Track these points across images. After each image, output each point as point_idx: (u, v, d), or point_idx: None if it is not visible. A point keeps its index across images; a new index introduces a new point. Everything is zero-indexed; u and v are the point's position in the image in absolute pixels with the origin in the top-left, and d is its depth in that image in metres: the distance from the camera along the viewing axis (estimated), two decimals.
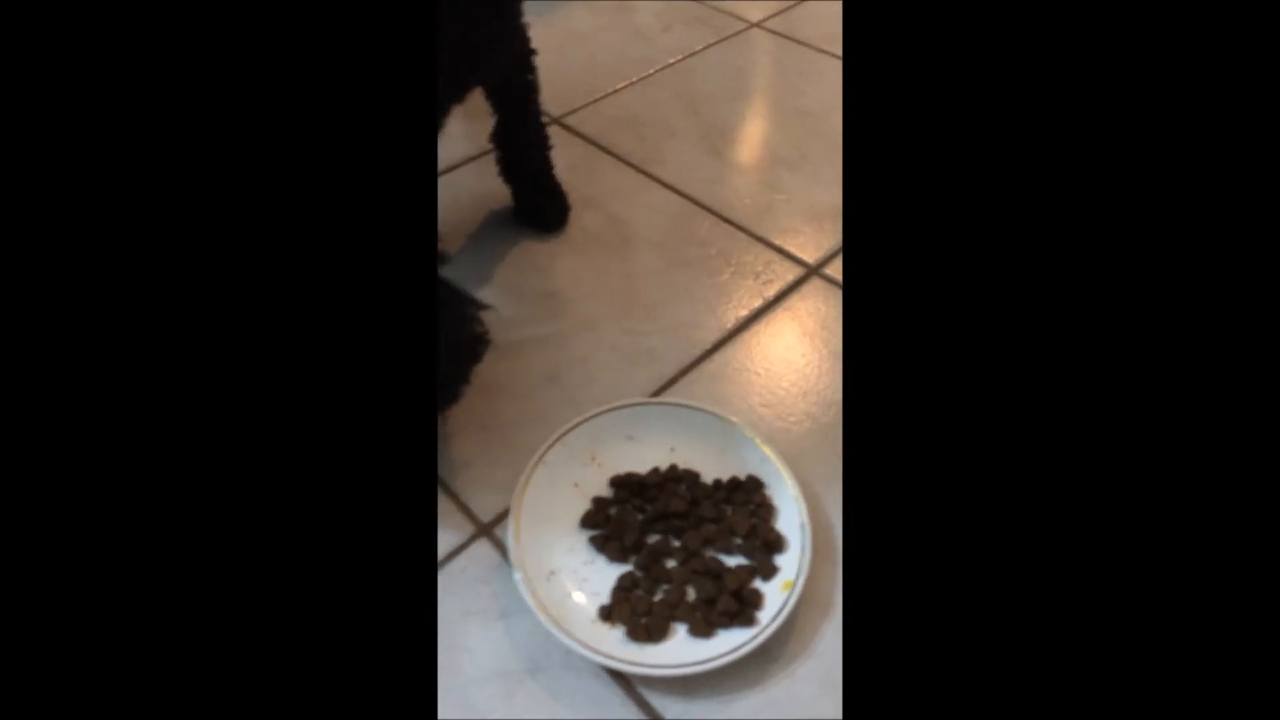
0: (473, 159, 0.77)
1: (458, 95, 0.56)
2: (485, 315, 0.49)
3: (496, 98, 0.65)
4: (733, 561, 0.47)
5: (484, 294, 0.64)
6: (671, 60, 0.90)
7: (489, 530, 0.50)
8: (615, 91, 0.86)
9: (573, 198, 0.71)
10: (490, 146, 0.69)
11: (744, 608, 0.44)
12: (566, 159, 0.75)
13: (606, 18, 0.97)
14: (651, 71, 0.88)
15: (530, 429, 0.54)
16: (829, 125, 0.81)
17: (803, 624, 0.45)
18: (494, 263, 0.67)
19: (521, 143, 0.68)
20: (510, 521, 0.47)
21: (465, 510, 0.50)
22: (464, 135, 0.79)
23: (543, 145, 0.69)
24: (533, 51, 0.66)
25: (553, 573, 0.46)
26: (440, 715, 0.41)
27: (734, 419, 0.52)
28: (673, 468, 0.51)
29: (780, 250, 0.68)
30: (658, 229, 0.71)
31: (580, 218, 0.71)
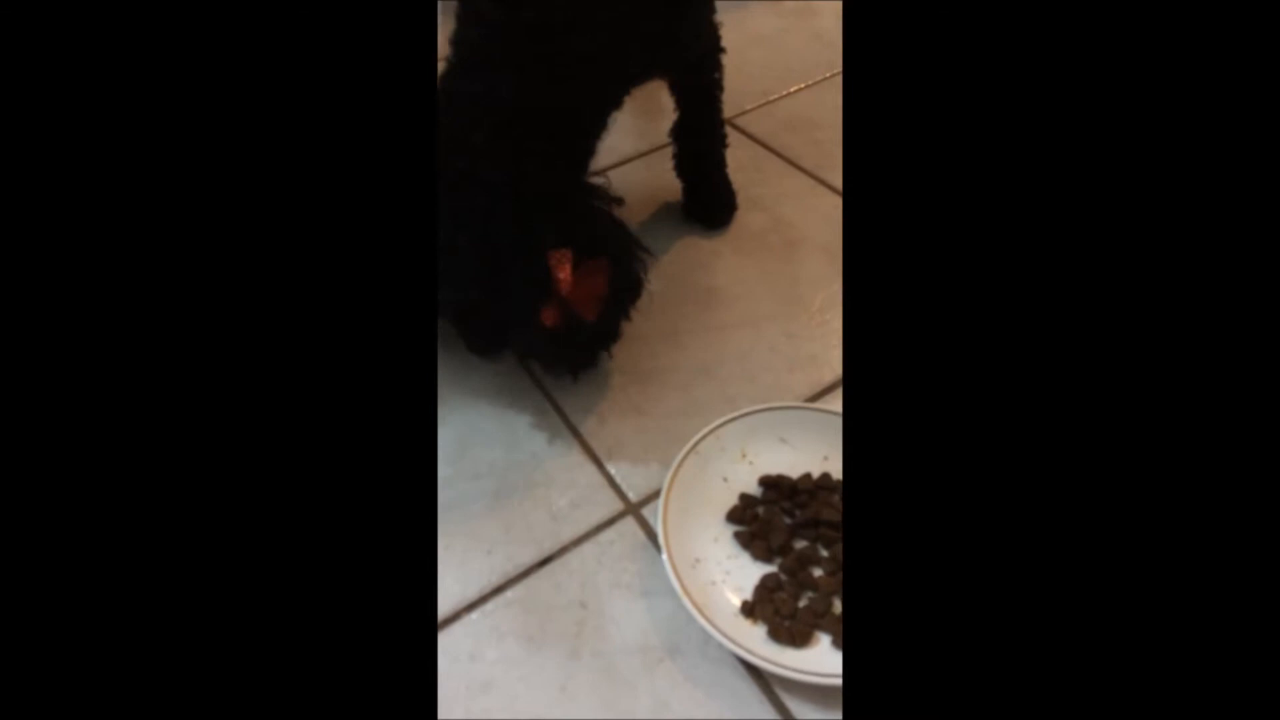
0: (644, 154, 0.79)
1: (635, 82, 0.58)
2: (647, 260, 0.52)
3: (681, 93, 0.67)
4: None
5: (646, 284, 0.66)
6: None
7: (637, 510, 0.51)
8: (790, 94, 0.85)
9: (740, 198, 0.72)
10: (662, 143, 0.70)
11: None
12: (735, 159, 0.75)
13: (788, 20, 0.96)
14: (829, 75, 0.87)
15: (684, 419, 0.55)
16: None
17: None
18: (657, 254, 0.69)
19: (700, 139, 0.69)
20: (660, 505, 0.48)
21: (616, 488, 0.52)
22: (638, 130, 0.82)
23: (720, 143, 0.70)
24: (721, 50, 0.67)
25: (697, 560, 0.47)
26: (587, 678, 0.43)
27: None
28: (825, 476, 0.50)
29: None
30: (825, 235, 0.69)
31: (746, 218, 0.71)
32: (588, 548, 0.49)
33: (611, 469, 0.53)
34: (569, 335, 0.50)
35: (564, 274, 0.47)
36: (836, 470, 0.51)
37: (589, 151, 0.54)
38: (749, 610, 0.45)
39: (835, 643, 0.43)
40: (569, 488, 0.52)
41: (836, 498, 0.49)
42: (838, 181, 0.74)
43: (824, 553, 0.47)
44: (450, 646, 0.45)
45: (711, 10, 0.63)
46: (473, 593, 0.47)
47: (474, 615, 0.46)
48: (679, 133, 0.69)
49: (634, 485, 0.52)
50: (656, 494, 0.50)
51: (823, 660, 0.42)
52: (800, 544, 0.48)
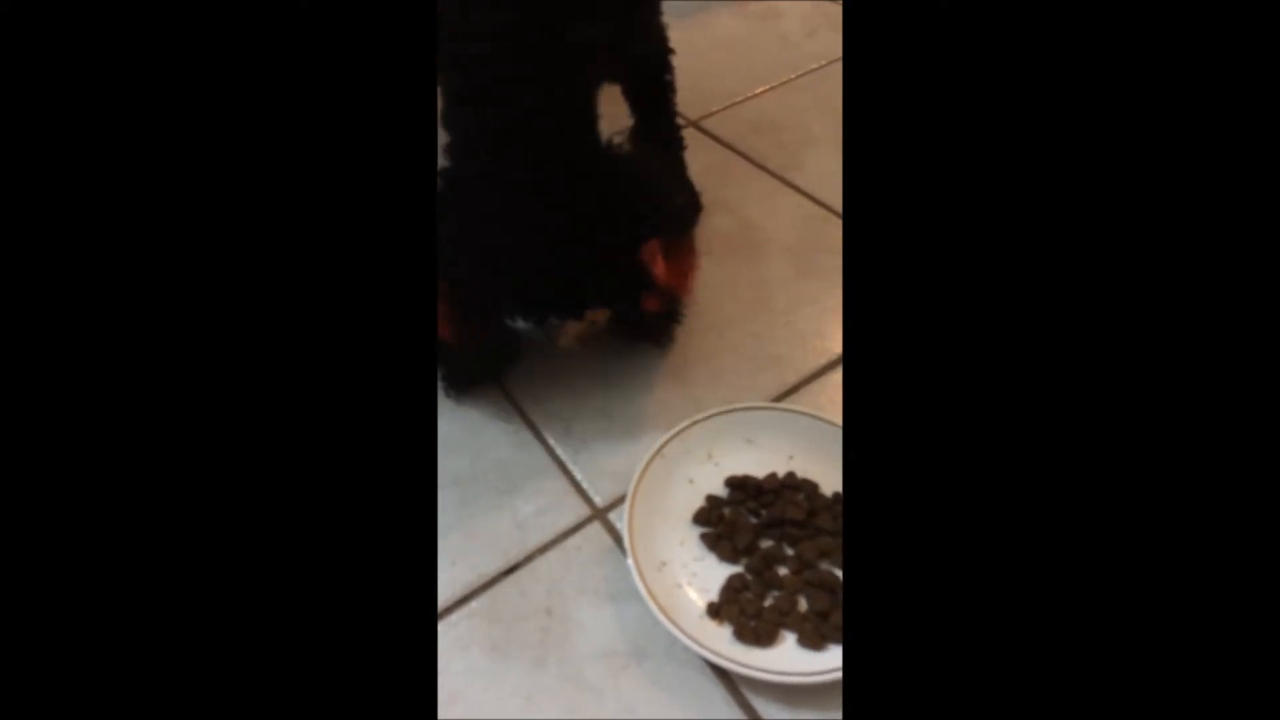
0: None
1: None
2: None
3: (633, 97, 0.68)
4: None
5: None
6: (815, 66, 0.89)
7: (603, 514, 0.51)
8: (754, 96, 0.86)
9: (705, 200, 0.71)
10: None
11: None
12: (701, 162, 0.75)
13: (753, 23, 0.97)
14: (793, 77, 0.88)
15: (650, 422, 0.55)
16: None
17: None
18: None
19: (656, 143, 0.69)
20: (625, 509, 0.48)
21: (582, 493, 0.52)
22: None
23: (677, 146, 0.70)
24: (670, 52, 0.67)
25: (663, 564, 0.47)
26: (553, 686, 0.43)
27: None
28: (791, 475, 0.51)
29: None
30: (791, 235, 0.70)
31: (713, 220, 0.72)
32: (554, 554, 0.49)
33: (578, 474, 0.53)
34: (666, 312, 0.55)
35: (659, 268, 0.50)
36: (802, 469, 0.51)
37: None
38: (715, 611, 0.45)
39: (800, 641, 0.43)
40: (535, 495, 0.52)
41: (801, 496, 0.49)
42: (802, 181, 0.75)
43: (789, 551, 0.47)
44: None
45: (657, 14, 0.63)
46: (437, 605, 0.47)
47: (439, 627, 0.46)
48: (635, 138, 0.69)
49: (600, 490, 0.52)
50: (623, 498, 0.50)
51: (788, 659, 0.42)
52: (766, 543, 0.48)
